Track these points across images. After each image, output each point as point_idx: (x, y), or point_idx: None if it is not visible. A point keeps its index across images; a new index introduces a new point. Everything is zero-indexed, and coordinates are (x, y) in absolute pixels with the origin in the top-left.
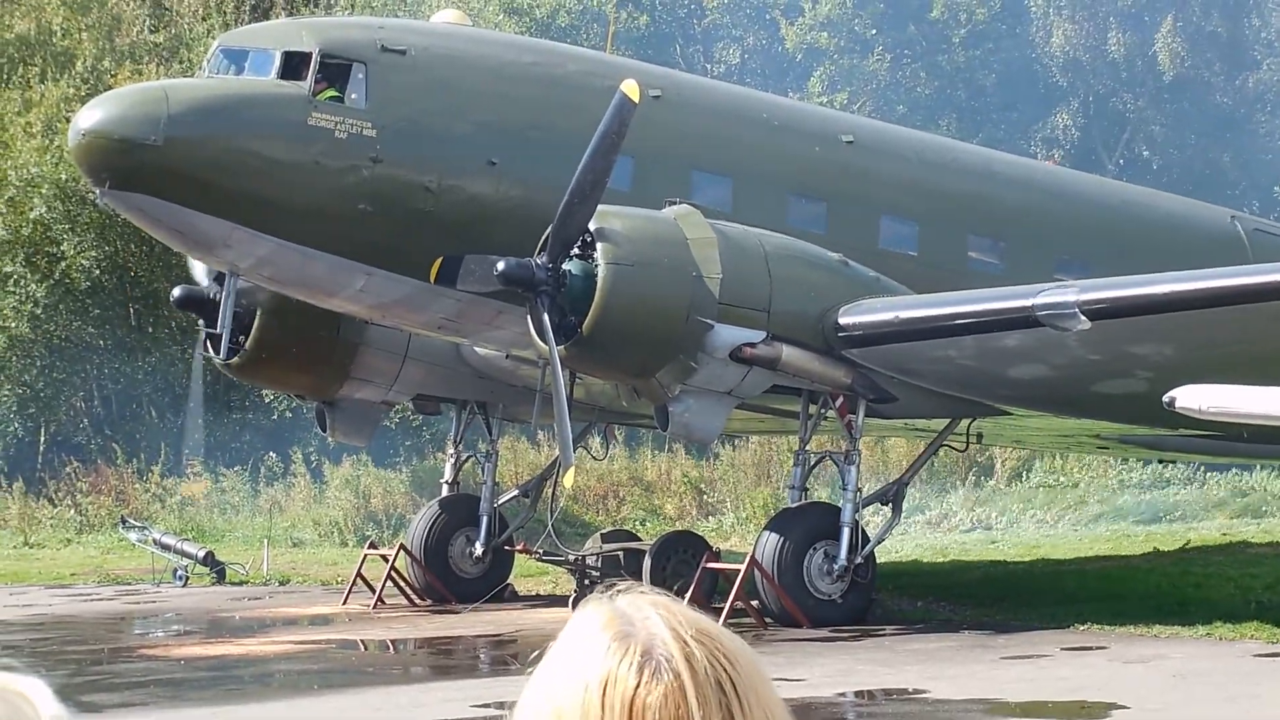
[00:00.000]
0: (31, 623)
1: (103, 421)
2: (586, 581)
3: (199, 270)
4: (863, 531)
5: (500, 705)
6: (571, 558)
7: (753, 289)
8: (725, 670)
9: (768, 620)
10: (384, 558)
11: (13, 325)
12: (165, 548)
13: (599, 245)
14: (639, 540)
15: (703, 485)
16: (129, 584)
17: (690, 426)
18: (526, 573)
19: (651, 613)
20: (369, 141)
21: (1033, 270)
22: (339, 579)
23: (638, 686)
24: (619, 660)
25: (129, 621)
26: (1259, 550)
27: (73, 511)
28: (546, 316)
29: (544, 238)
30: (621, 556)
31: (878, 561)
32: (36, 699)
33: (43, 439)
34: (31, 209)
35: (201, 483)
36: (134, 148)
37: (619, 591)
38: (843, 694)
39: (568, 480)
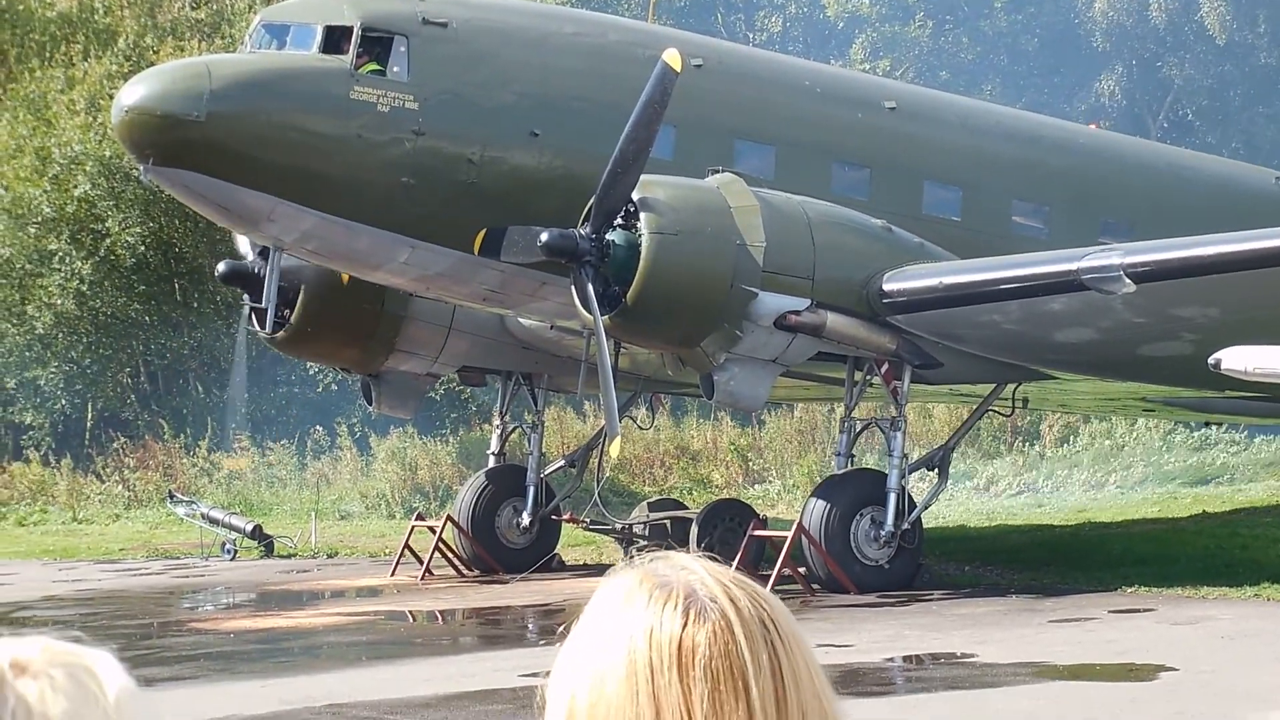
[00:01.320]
0: (81, 598)
1: (149, 397)
2: (633, 550)
3: (244, 243)
4: (909, 497)
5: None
6: (618, 526)
7: (797, 256)
8: (766, 613)
9: (815, 587)
10: (431, 529)
11: (59, 302)
12: (213, 522)
13: (642, 215)
14: (686, 509)
15: (749, 453)
16: (177, 558)
17: (736, 394)
18: (573, 542)
19: (688, 562)
20: (411, 114)
21: (1077, 234)
22: (386, 551)
23: (685, 626)
24: (662, 606)
25: (178, 595)
26: None
27: (120, 487)
28: (590, 286)
29: (587, 208)
30: (668, 525)
31: (924, 527)
32: (103, 673)
33: (90, 415)
34: (76, 186)
35: (247, 456)
36: (177, 124)
37: (647, 558)
38: (891, 659)
39: (614, 450)
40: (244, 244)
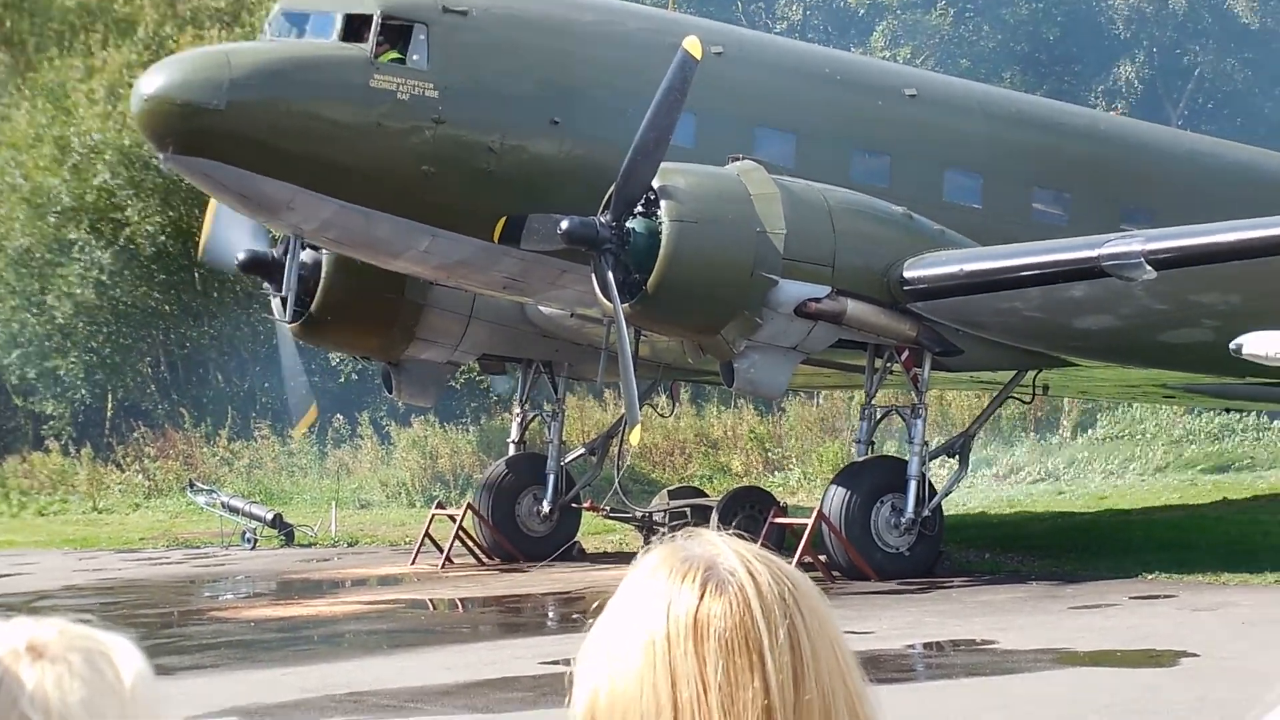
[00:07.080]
0: (102, 587)
1: (169, 386)
2: (654, 538)
3: (244, 237)
4: (930, 484)
5: (570, 662)
6: (639, 514)
7: (817, 244)
8: (788, 588)
9: (836, 574)
10: (451, 518)
11: (79, 292)
12: (233, 511)
13: (663, 202)
14: (706, 496)
15: (769, 441)
16: (198, 547)
17: (756, 382)
18: (594, 530)
19: (714, 538)
20: (431, 102)
21: (1098, 221)
22: (407, 539)
23: (701, 599)
24: (681, 580)
25: (198, 584)
26: None
27: (141, 476)
28: (611, 274)
29: (607, 196)
30: (688, 512)
31: (945, 514)
32: (120, 659)
33: (110, 405)
34: (96, 175)
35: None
36: (197, 112)
37: (678, 536)
38: (911, 645)
39: (634, 437)
40: (244, 237)
